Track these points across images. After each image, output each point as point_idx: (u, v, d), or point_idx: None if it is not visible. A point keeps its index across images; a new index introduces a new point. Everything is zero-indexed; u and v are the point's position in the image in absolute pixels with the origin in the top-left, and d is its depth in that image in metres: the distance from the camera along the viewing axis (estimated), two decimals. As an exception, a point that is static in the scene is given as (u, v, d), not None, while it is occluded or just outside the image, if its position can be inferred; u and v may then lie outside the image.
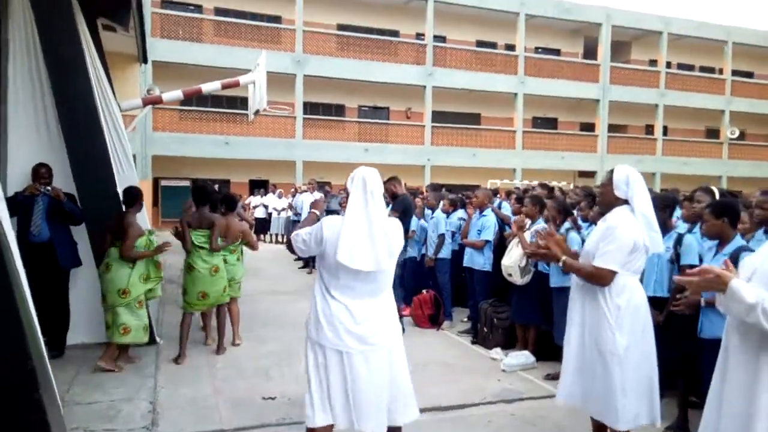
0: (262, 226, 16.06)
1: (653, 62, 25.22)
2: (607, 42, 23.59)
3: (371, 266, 2.73)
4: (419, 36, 22.04)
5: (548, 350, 5.34)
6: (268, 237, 16.53)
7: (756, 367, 1.94)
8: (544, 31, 23.87)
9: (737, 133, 25.79)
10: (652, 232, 3.04)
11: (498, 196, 8.67)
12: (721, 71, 25.90)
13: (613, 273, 2.94)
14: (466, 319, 6.78)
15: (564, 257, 3.12)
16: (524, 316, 5.42)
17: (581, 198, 5.35)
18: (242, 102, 17.17)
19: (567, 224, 5.07)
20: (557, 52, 24.64)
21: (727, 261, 2.16)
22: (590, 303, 3.08)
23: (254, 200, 16.97)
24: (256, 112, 11.91)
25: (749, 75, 27.07)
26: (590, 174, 23.58)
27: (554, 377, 4.85)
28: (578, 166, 23.45)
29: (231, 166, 20.06)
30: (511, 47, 22.99)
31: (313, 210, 3.19)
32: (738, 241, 3.26)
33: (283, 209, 15.33)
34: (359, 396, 2.77)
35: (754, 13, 62.47)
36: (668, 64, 24.93)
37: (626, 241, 2.94)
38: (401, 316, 6.26)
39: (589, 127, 24.37)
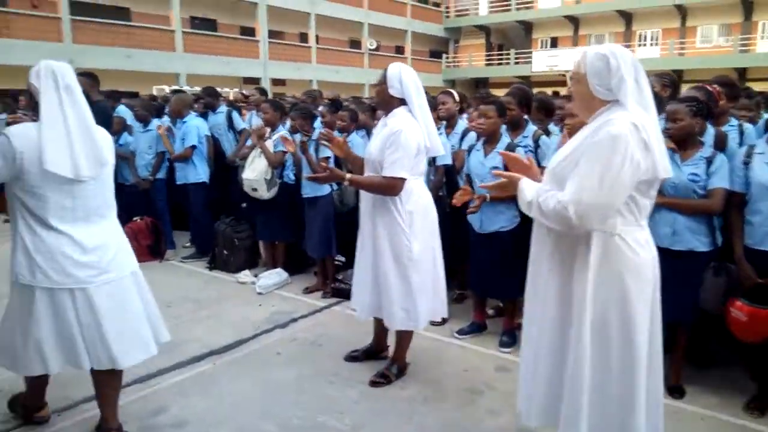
0: None
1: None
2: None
3: (69, 171, 2.27)
4: None
5: (296, 263, 5.17)
6: None
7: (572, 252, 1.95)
8: None
9: (375, 45, 29.01)
10: (431, 134, 3.05)
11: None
12: (359, -16, 28.21)
13: (404, 180, 2.88)
14: (188, 244, 6.03)
15: (348, 176, 2.98)
16: (272, 233, 5.05)
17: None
18: None
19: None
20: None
21: (530, 158, 2.23)
22: (381, 212, 2.98)
23: None
24: None
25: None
26: (255, 81, 23.35)
27: (312, 290, 4.76)
28: (243, 72, 22.89)
29: None
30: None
31: None
32: (505, 138, 3.53)
33: None
34: (107, 335, 2.36)
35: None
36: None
37: (411, 145, 2.88)
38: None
39: (249, 32, 23.81)
